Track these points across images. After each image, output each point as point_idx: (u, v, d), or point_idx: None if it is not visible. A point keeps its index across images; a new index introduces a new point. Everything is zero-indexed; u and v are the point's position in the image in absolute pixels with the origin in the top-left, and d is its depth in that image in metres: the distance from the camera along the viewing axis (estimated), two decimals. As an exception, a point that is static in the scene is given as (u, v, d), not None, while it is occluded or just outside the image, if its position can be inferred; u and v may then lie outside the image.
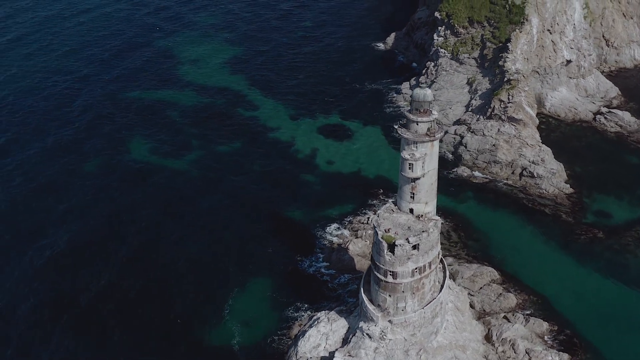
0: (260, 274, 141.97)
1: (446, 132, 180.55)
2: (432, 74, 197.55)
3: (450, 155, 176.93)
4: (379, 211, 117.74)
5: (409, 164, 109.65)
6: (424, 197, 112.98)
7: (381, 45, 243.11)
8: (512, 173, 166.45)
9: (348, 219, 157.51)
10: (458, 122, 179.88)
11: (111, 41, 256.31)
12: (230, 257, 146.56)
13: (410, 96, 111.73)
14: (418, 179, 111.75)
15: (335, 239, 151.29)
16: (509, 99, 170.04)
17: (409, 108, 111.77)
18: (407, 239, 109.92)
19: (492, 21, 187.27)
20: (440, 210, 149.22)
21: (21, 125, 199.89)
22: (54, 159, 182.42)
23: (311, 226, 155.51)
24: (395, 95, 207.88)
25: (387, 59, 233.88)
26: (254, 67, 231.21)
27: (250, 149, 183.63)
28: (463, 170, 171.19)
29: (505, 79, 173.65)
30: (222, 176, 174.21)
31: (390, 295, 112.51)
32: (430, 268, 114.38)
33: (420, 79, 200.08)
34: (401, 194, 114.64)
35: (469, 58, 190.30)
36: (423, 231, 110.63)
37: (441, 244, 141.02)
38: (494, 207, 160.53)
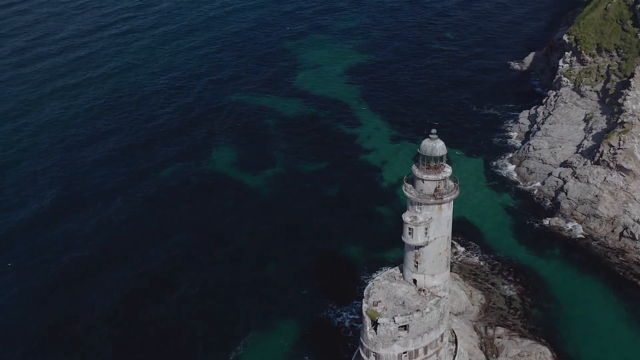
0: (284, 317, 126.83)
1: (550, 174, 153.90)
2: (551, 104, 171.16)
3: (549, 202, 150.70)
4: (378, 277, 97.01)
5: (409, 229, 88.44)
6: (429, 269, 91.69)
7: (517, 65, 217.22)
8: (612, 231, 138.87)
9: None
10: (565, 164, 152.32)
11: (237, 39, 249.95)
12: (260, 292, 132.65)
13: (418, 147, 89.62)
14: (421, 246, 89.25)
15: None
16: (619, 144, 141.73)
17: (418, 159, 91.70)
18: (393, 317, 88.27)
19: (621, 51, 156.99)
20: (515, 267, 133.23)
21: (107, 121, 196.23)
22: (131, 159, 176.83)
23: (361, 269, 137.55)
24: (511, 124, 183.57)
25: (518, 81, 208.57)
26: (373, 78, 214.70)
27: (334, 172, 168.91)
28: (557, 221, 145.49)
29: (619, 120, 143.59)
30: (291, 199, 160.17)
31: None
32: (426, 354, 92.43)
33: (538, 109, 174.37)
34: (405, 260, 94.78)
35: (590, 91, 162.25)
36: (417, 310, 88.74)
37: (499, 309, 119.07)
38: (579, 271, 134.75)
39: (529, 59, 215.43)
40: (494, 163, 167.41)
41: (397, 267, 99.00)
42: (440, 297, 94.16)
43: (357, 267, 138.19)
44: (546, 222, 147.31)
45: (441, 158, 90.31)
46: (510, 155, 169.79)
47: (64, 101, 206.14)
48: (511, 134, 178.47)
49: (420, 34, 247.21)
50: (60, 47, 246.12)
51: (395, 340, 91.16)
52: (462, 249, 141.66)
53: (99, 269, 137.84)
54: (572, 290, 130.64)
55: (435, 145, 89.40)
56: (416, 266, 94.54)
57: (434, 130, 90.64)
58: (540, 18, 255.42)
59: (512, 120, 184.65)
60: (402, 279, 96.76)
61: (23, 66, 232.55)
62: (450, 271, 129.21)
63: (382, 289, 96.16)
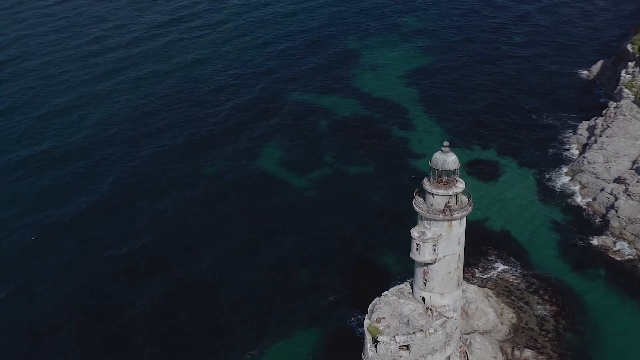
0: (306, 323, 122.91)
1: (602, 190, 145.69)
2: (610, 116, 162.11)
3: (598, 219, 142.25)
4: (386, 291, 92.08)
5: (417, 245, 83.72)
6: (438, 287, 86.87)
7: (585, 73, 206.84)
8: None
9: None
10: (618, 180, 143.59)
11: (303, 37, 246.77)
12: (287, 295, 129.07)
13: (430, 160, 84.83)
14: (429, 264, 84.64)
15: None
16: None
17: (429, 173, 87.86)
18: (394, 336, 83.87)
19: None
20: (553, 286, 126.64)
21: (164, 116, 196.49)
22: (183, 156, 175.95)
23: (394, 279, 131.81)
24: (569, 134, 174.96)
25: (583, 90, 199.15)
26: (433, 82, 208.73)
27: (379, 176, 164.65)
28: (604, 240, 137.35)
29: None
30: (333, 203, 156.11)
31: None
32: None
33: (597, 121, 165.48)
34: (414, 277, 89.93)
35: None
36: (420, 330, 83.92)
37: (530, 329, 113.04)
38: (623, 296, 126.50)
39: (596, 67, 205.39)
40: (547, 175, 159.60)
41: (407, 283, 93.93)
42: (447, 317, 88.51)
43: (391, 276, 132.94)
44: (593, 240, 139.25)
45: (453, 172, 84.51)
46: (565, 167, 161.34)
47: (125, 94, 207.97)
48: (568, 145, 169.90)
49: (494, 37, 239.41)
50: (129, 38, 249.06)
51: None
52: (501, 264, 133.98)
53: (143, 266, 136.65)
54: (612, 315, 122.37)
55: (446, 159, 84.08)
56: (425, 284, 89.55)
57: (446, 143, 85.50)
58: (622, 25, 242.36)
59: (570, 131, 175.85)
60: (411, 296, 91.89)
61: (93, 56, 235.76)
62: (485, 287, 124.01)
63: (389, 305, 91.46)
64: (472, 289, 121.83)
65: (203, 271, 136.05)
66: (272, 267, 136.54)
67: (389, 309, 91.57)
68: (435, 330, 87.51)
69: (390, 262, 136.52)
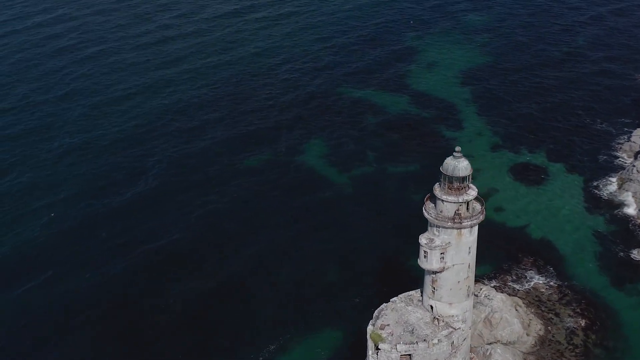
0: (325, 324, 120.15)
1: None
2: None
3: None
4: (394, 298, 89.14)
5: (424, 252, 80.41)
6: (447, 297, 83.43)
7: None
8: None
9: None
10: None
11: (364, 31, 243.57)
12: (311, 295, 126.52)
13: (441, 165, 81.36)
14: (438, 272, 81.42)
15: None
16: None
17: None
18: (395, 345, 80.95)
19: None
20: (587, 299, 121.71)
21: (213, 109, 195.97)
22: (226, 147, 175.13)
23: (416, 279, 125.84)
24: (622, 141, 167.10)
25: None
26: (490, 82, 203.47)
27: (422, 178, 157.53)
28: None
29: None
30: (372, 202, 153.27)
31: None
32: None
33: None
34: (424, 284, 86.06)
35: None
36: (423, 340, 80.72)
37: (557, 342, 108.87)
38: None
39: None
40: (595, 183, 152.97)
41: (418, 290, 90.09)
42: (454, 328, 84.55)
43: (421, 281, 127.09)
44: (635, 252, 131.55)
45: (465, 179, 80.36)
46: (614, 175, 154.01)
47: (182, 84, 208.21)
48: (620, 152, 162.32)
49: (560, 38, 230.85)
50: (191, 29, 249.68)
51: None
52: (536, 273, 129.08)
53: (180, 259, 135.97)
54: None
55: (457, 165, 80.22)
56: (433, 292, 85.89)
57: (458, 148, 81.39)
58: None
59: (625, 137, 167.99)
60: (420, 304, 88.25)
61: (153, 45, 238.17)
62: (515, 295, 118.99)
63: (395, 312, 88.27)
64: (499, 298, 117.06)
65: (236, 265, 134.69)
66: (303, 263, 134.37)
67: (395, 315, 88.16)
68: (439, 341, 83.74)
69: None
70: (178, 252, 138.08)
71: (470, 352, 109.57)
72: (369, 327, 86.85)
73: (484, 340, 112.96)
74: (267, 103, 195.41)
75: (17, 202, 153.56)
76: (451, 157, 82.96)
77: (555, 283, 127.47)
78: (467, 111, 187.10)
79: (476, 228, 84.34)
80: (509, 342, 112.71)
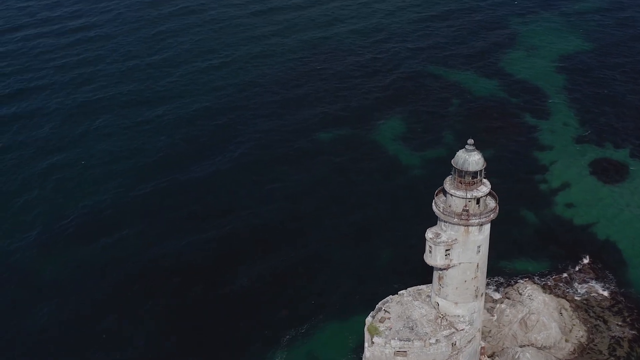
0: (360, 310, 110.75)
1: None
2: None
3: None
4: (402, 290, 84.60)
5: (429, 247, 75.48)
6: (452, 295, 78.36)
7: None
8: None
9: (517, 280, 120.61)
10: None
11: (466, 12, 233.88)
12: (356, 279, 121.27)
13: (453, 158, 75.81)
14: (442, 269, 76.53)
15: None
16: None
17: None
18: (390, 340, 76.83)
19: None
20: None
21: (304, 82, 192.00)
22: (306, 124, 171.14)
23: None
24: None
25: None
26: (587, 72, 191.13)
27: (496, 165, 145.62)
28: None
29: None
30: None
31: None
32: None
33: None
34: (432, 280, 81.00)
35: None
36: (419, 339, 76.15)
37: (598, 352, 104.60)
38: None
39: None
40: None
41: (430, 285, 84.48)
42: (457, 329, 78.61)
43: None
44: None
45: (476, 174, 73.84)
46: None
47: (278, 56, 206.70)
48: None
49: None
50: (297, 1, 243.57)
51: (390, 365, 77.73)
52: (592, 276, 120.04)
53: (248, 241, 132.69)
54: None
55: (468, 159, 73.97)
56: (439, 289, 79.96)
57: (470, 141, 74.92)
58: None
59: None
60: (428, 300, 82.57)
61: (258, 15, 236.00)
62: (564, 297, 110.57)
63: (400, 305, 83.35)
64: (542, 299, 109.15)
65: (300, 246, 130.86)
66: (359, 245, 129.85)
67: (398, 309, 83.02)
68: (437, 341, 78.02)
69: (492, 259, 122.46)
70: (253, 228, 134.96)
71: (495, 354, 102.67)
72: (368, 319, 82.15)
73: (517, 342, 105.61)
74: (354, 81, 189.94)
75: (104, 167, 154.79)
76: (463, 149, 76.22)
77: (610, 289, 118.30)
78: (558, 100, 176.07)
79: (487, 227, 77.59)
80: (544, 347, 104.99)
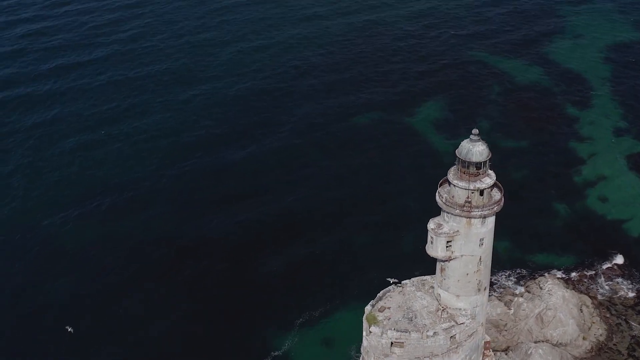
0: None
1: None
2: None
3: None
4: (406, 280, 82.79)
5: (430, 237, 73.71)
6: (454, 288, 76.47)
7: None
8: None
9: (541, 273, 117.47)
10: None
11: (517, 4, 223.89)
12: (373, 265, 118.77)
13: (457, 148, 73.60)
14: (443, 261, 74.67)
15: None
16: None
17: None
18: (387, 330, 75.44)
19: None
20: None
21: (351, 64, 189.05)
22: (344, 107, 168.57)
23: (505, 268, 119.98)
24: None
25: None
26: (632, 62, 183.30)
27: (531, 155, 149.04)
28: None
29: None
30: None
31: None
32: None
33: None
34: (436, 271, 79.25)
35: None
36: (417, 331, 74.51)
37: (617, 352, 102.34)
38: None
39: None
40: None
41: (434, 276, 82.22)
42: (457, 322, 76.36)
43: (505, 265, 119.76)
44: None
45: (481, 165, 71.21)
46: None
47: (327, 38, 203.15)
48: None
49: None
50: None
51: (386, 356, 76.26)
52: (620, 273, 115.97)
53: (285, 224, 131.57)
54: None
55: (472, 149, 71.29)
56: (441, 281, 77.76)
57: (475, 131, 71.91)
58: None
59: None
60: (431, 291, 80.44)
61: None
62: (587, 294, 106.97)
63: (402, 295, 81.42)
64: (561, 295, 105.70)
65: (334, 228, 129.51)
66: (386, 233, 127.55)
67: (400, 299, 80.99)
68: (435, 333, 75.66)
69: (512, 251, 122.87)
70: (283, 212, 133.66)
71: (510, 348, 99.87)
72: (367, 307, 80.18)
73: (532, 337, 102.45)
74: (396, 66, 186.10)
75: (142, 144, 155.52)
76: (468, 139, 73.18)
77: (636, 288, 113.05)
78: (601, 91, 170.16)
79: (491, 220, 74.72)
80: (560, 344, 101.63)
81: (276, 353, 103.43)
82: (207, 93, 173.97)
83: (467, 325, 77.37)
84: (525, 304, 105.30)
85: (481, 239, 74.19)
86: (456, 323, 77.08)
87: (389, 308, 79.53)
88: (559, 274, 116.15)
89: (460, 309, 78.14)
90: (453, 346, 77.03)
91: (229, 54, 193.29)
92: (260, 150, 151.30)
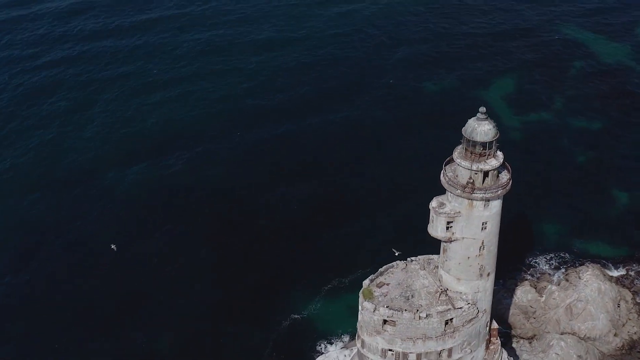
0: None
1: None
2: None
3: None
4: (412, 257, 79.76)
5: (431, 216, 70.64)
6: (454, 270, 73.21)
7: None
8: None
9: (584, 261, 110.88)
10: None
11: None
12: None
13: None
14: (444, 242, 71.58)
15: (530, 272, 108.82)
16: None
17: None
18: (379, 307, 73.23)
19: None
20: None
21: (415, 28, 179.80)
22: (412, 70, 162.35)
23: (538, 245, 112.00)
24: None
25: None
26: None
27: (602, 136, 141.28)
28: None
29: None
30: (533, 150, 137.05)
31: (361, 366, 78.18)
32: None
33: None
34: (440, 251, 76.21)
35: None
36: (405, 310, 71.93)
37: None
38: None
39: None
40: None
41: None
42: (454, 307, 72.45)
43: (549, 248, 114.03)
44: None
45: (486, 145, 66.54)
46: None
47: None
48: None
49: None
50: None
51: (379, 333, 73.39)
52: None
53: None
54: None
55: (477, 127, 66.68)
56: (444, 262, 73.92)
57: (482, 109, 67.09)
58: None
59: None
60: (435, 270, 76.60)
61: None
62: (630, 288, 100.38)
63: (404, 273, 78.03)
64: (596, 286, 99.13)
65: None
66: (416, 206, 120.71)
67: (401, 276, 77.42)
68: (429, 315, 71.84)
69: (560, 234, 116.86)
70: (350, 187, 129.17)
71: (536, 337, 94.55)
72: (366, 282, 76.86)
73: (559, 329, 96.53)
74: (472, 40, 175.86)
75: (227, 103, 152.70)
76: (474, 118, 68.07)
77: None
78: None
79: (496, 203, 69.81)
80: (588, 338, 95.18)
81: (297, 316, 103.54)
82: (297, 56, 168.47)
83: (465, 311, 73.06)
84: (557, 293, 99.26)
85: (484, 223, 69.59)
86: (453, 307, 72.55)
87: (387, 284, 76.13)
88: (605, 264, 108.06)
89: (460, 293, 73.66)
90: (449, 330, 72.83)
91: (327, 15, 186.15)
92: (342, 120, 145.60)
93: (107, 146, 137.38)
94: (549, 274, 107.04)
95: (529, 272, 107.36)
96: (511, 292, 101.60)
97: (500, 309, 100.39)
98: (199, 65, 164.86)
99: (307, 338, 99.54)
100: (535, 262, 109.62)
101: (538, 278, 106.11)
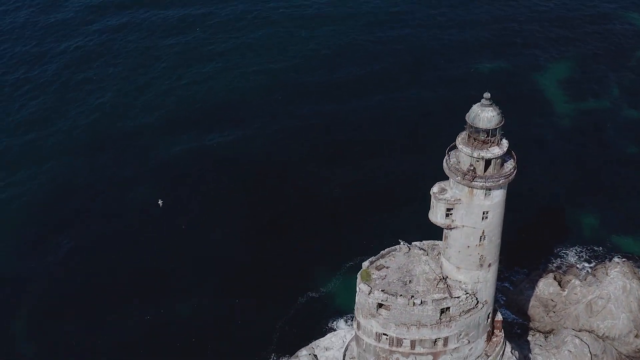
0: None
1: None
2: None
3: None
4: (417, 242, 78.01)
5: (432, 201, 69.01)
6: (454, 259, 71.30)
7: None
8: None
9: (615, 257, 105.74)
10: None
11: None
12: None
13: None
14: (446, 227, 69.88)
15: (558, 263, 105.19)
16: None
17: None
18: (375, 290, 72.16)
19: None
20: None
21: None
22: (466, 52, 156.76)
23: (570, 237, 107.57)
24: None
25: None
26: None
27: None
28: None
29: None
30: (578, 141, 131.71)
31: (357, 347, 77.94)
32: (413, 349, 73.63)
33: None
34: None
35: None
36: (400, 295, 70.61)
37: None
38: None
39: None
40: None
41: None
42: (451, 296, 70.22)
43: (581, 241, 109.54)
44: None
45: (490, 132, 63.73)
46: None
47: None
48: None
49: None
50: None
51: (373, 316, 71.86)
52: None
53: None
54: None
55: (480, 114, 63.76)
56: (445, 249, 71.69)
57: (486, 94, 63.85)
58: None
59: None
60: (438, 257, 74.35)
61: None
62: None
63: (406, 257, 75.86)
64: (621, 284, 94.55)
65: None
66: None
67: (402, 260, 75.23)
68: (423, 302, 69.67)
69: (595, 227, 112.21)
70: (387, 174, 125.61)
71: (553, 331, 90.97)
72: (365, 263, 74.95)
73: (578, 325, 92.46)
74: (539, 25, 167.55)
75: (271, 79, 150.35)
76: (478, 104, 64.87)
77: None
78: None
79: (498, 193, 66.56)
80: (607, 337, 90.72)
81: (313, 293, 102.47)
82: (356, 36, 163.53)
83: (462, 300, 70.19)
84: (579, 288, 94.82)
85: (485, 212, 66.45)
86: (450, 296, 69.80)
87: (387, 268, 73.81)
88: (637, 263, 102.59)
89: (460, 282, 70.90)
90: (445, 319, 70.23)
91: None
92: (390, 104, 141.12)
93: (157, 113, 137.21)
94: (577, 268, 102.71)
95: (556, 264, 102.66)
96: (534, 284, 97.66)
97: (521, 299, 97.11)
98: (256, 37, 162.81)
99: (322, 315, 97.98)
100: (564, 254, 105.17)
101: (565, 271, 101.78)
